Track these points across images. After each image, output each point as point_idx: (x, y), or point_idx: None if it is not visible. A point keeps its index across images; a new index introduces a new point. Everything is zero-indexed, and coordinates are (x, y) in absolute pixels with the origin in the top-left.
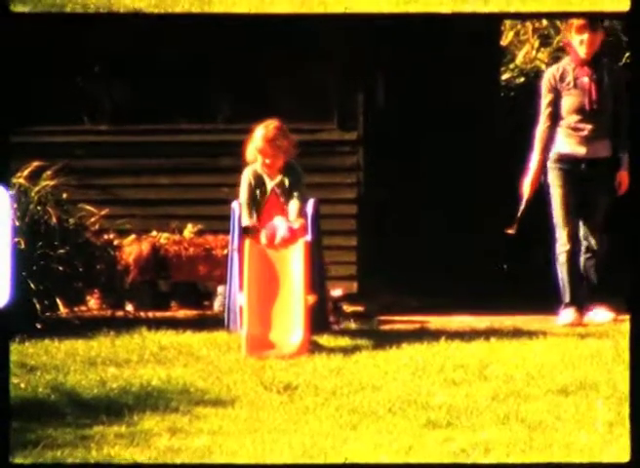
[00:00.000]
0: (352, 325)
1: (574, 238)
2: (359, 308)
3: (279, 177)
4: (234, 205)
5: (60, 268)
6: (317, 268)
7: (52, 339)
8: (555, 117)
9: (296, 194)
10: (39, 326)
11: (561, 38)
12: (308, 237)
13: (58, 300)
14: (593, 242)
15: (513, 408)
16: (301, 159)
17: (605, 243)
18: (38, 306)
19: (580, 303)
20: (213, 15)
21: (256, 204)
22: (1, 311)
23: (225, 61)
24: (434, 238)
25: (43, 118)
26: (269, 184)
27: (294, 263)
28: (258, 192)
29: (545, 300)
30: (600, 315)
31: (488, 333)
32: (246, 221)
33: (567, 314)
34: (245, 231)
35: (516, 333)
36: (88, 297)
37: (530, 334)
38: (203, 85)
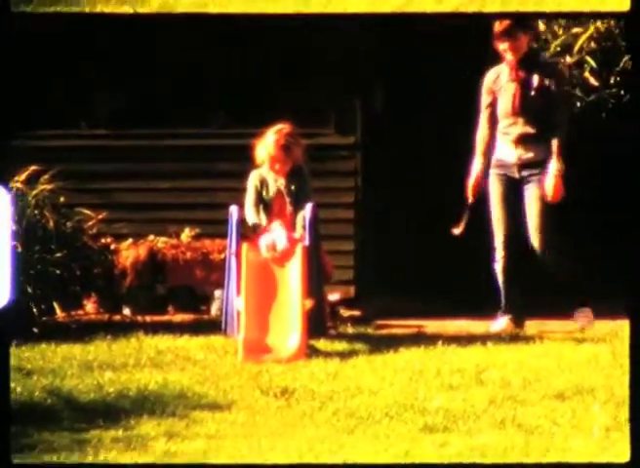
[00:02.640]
0: (349, 329)
1: (510, 245)
2: (356, 312)
3: (286, 180)
4: (232, 209)
5: (57, 272)
6: (315, 273)
7: (48, 343)
8: (493, 121)
9: (303, 201)
10: (36, 330)
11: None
12: (306, 241)
13: (54, 304)
14: (535, 247)
15: (510, 412)
16: None
17: (550, 248)
18: (35, 310)
19: (517, 311)
20: (211, 15)
21: (262, 207)
22: (1, 312)
23: (223, 66)
24: (432, 242)
25: (40, 122)
26: (275, 186)
27: (291, 268)
28: (264, 195)
29: (542, 305)
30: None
31: (485, 338)
32: (253, 219)
33: (500, 322)
34: (253, 230)
35: (513, 338)
36: (85, 301)
37: (527, 339)
38: (200, 89)
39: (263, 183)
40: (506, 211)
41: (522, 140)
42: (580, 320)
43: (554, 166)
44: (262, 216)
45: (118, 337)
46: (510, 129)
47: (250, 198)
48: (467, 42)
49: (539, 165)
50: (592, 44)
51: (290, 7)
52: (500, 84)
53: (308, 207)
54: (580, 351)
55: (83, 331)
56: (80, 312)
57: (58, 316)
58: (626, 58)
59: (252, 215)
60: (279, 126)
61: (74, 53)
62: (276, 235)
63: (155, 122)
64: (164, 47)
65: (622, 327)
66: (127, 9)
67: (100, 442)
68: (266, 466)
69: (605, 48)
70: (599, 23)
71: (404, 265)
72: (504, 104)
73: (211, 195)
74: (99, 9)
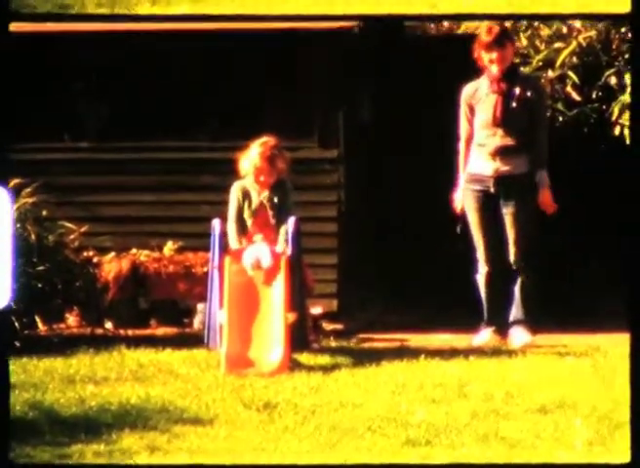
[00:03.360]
0: (332, 343)
1: (492, 260)
2: (339, 326)
3: (268, 193)
4: (215, 222)
5: (39, 285)
6: (297, 286)
7: (30, 357)
8: (471, 135)
9: (286, 214)
10: (17, 344)
11: (477, 55)
12: (289, 255)
13: (36, 318)
14: (514, 260)
15: (493, 426)
16: None
17: (531, 262)
18: (17, 324)
19: (500, 325)
20: (195, 30)
21: (243, 222)
22: (1, 312)
23: (207, 79)
24: (416, 256)
25: (22, 135)
26: (258, 199)
27: (274, 281)
28: (246, 208)
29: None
30: (518, 336)
31: (467, 352)
32: (234, 245)
33: (484, 334)
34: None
35: (495, 352)
36: (67, 315)
37: (509, 353)
38: (184, 102)
39: (246, 195)
40: (485, 226)
41: (500, 153)
42: (515, 339)
43: (544, 178)
44: (244, 240)
45: (100, 351)
46: (488, 140)
47: (232, 212)
48: (451, 54)
49: (516, 178)
50: (574, 59)
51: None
52: (478, 96)
53: (291, 220)
54: (562, 365)
55: (65, 345)
56: (62, 326)
57: (39, 329)
58: (608, 72)
59: (233, 239)
60: (264, 138)
61: (57, 65)
62: (260, 252)
63: (138, 135)
64: (150, 59)
65: (604, 341)
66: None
67: (82, 456)
68: (265, 466)
69: (587, 63)
70: (581, 38)
71: (387, 279)
72: (483, 116)
73: (194, 208)
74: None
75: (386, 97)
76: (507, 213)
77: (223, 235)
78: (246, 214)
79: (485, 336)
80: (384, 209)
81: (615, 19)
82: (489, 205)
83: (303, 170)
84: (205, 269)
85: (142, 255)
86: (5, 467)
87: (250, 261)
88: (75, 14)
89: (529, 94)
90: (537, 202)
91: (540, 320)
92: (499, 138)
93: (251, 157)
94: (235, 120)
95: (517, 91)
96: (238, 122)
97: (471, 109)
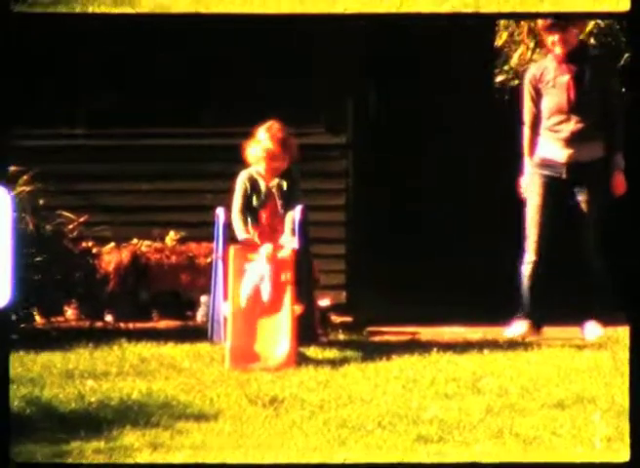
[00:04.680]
0: (341, 336)
1: (542, 250)
2: (348, 319)
3: (277, 180)
4: (219, 211)
5: (37, 277)
6: (304, 277)
7: (27, 351)
8: (537, 119)
9: (294, 203)
10: (14, 337)
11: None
12: (296, 244)
13: (34, 311)
14: (587, 249)
15: (507, 422)
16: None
17: (599, 257)
18: (13, 317)
19: (537, 318)
20: (200, 14)
21: (252, 211)
22: (1, 310)
23: (211, 64)
24: (426, 245)
25: (19, 121)
26: (266, 188)
27: (281, 272)
28: (254, 198)
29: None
30: (592, 330)
31: (481, 345)
32: (242, 235)
33: (519, 326)
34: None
35: (511, 345)
36: (65, 308)
37: (525, 346)
38: (187, 87)
39: (254, 184)
40: (546, 214)
41: (574, 139)
42: (589, 332)
43: (619, 161)
44: (251, 229)
45: (100, 345)
46: (561, 126)
47: (237, 202)
48: (465, 41)
49: (591, 165)
50: (592, 40)
51: (285, 6)
52: (546, 79)
53: (298, 209)
54: (580, 358)
55: (63, 339)
56: (60, 319)
57: (37, 323)
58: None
59: (240, 229)
60: (270, 122)
61: (53, 51)
62: (261, 281)
63: (139, 121)
64: (151, 44)
65: (624, 333)
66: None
67: (82, 453)
68: (266, 466)
69: (605, 44)
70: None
71: (397, 269)
72: (555, 100)
73: (197, 197)
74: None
75: (396, 81)
76: (582, 200)
77: (228, 225)
78: (255, 204)
79: (520, 328)
80: (395, 196)
81: (614, 19)
82: (557, 191)
83: (310, 156)
84: (209, 260)
85: (143, 246)
86: (5, 465)
87: (247, 297)
88: (76, 13)
89: (601, 73)
90: (611, 186)
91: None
92: (572, 124)
93: (261, 142)
94: (239, 104)
95: (588, 72)
96: (242, 106)
97: (537, 92)
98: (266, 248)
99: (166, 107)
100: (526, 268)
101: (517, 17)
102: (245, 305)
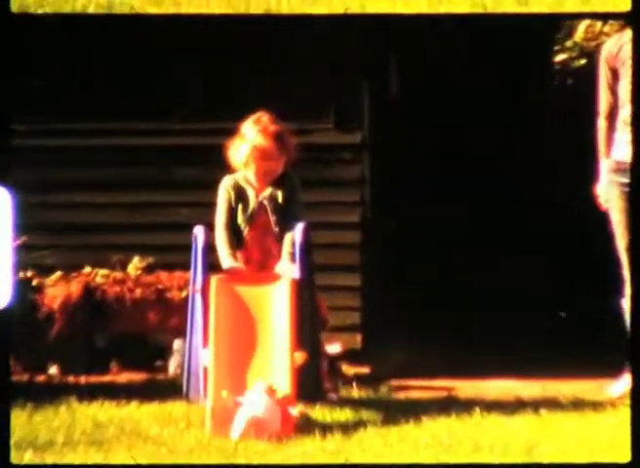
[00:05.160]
0: (355, 392)
1: None
2: (364, 370)
3: (270, 189)
4: (197, 230)
5: None
6: (307, 316)
7: None
8: (615, 109)
9: (293, 220)
10: None
11: None
12: (296, 274)
13: None
14: None
15: None
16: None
17: None
18: None
19: None
20: (212, 15)
21: (236, 230)
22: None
23: (187, 47)
24: (461, 275)
25: None
26: (255, 199)
27: (276, 309)
28: (240, 211)
29: (613, 360)
30: None
31: (537, 404)
32: (227, 263)
33: (628, 380)
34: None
35: (576, 404)
36: None
37: (594, 406)
38: (157, 75)
39: (240, 194)
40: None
41: None
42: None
43: None
44: (239, 255)
45: (42, 405)
46: None
47: (220, 218)
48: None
49: None
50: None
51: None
52: (624, 56)
53: (299, 227)
54: None
55: None
56: None
57: None
58: None
59: (225, 253)
60: (257, 114)
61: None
62: (257, 415)
63: (92, 115)
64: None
65: None
66: None
67: None
68: (266, 466)
69: None
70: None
71: (427, 306)
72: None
73: (168, 213)
74: None
75: (421, 65)
76: None
77: (209, 248)
78: (240, 220)
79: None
80: (420, 211)
81: (615, 19)
82: None
83: (315, 159)
84: (184, 294)
85: (99, 276)
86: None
87: (240, 425)
88: (74, 14)
89: None
90: None
91: None
92: None
93: (249, 138)
94: (220, 95)
95: None
96: (225, 98)
97: (615, 74)
98: (244, 413)
99: (131, 97)
100: (626, 301)
101: (517, 17)
102: (230, 353)
